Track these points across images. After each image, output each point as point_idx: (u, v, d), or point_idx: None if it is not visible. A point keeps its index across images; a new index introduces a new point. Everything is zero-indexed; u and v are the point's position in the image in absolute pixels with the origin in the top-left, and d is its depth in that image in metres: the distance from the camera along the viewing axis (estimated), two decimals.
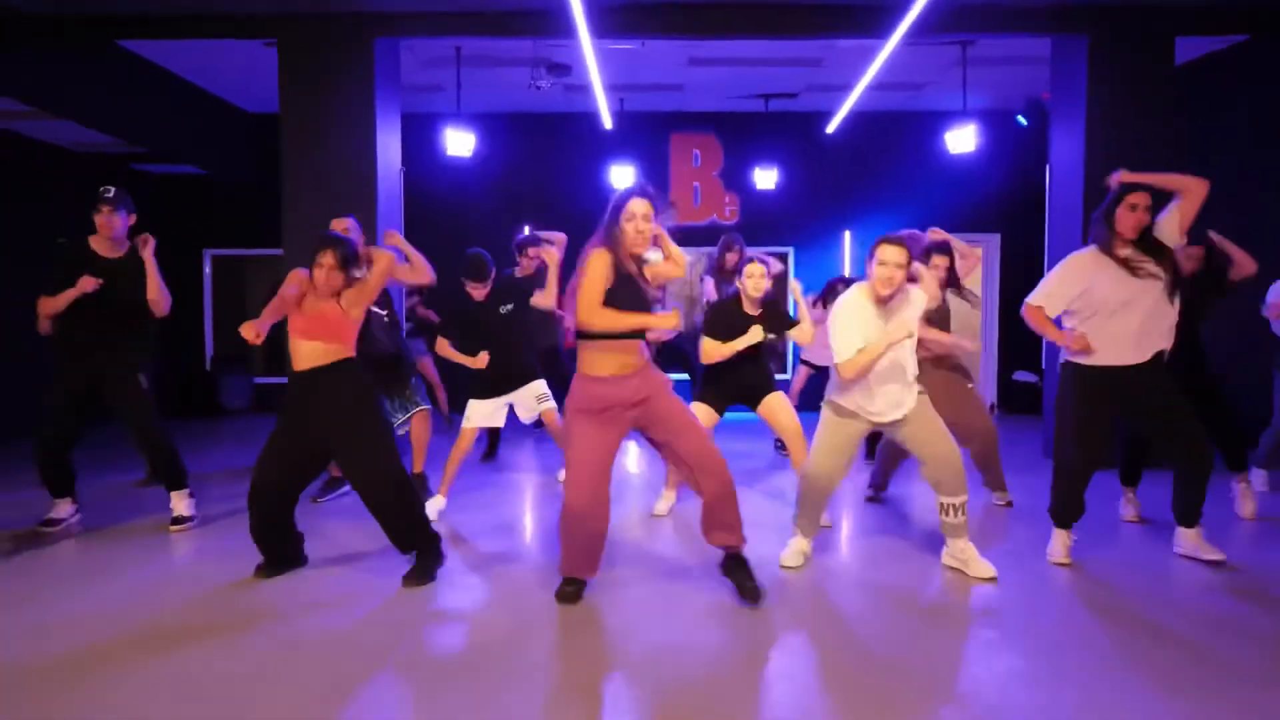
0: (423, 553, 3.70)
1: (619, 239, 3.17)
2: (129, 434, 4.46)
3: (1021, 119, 8.61)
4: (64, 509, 4.49)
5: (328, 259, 3.51)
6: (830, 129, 8.92)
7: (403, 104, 8.72)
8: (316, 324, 3.52)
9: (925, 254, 4.66)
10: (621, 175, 9.01)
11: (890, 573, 3.82)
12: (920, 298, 3.69)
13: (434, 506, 4.75)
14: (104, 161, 9.06)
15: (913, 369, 3.66)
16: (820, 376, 7.72)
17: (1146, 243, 3.66)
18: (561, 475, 5.81)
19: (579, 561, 3.34)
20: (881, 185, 9.59)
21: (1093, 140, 6.21)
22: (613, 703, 2.61)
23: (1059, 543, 3.89)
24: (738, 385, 4.61)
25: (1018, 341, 9.03)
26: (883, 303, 3.59)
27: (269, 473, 3.54)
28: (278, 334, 3.65)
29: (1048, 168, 6.81)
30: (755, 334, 4.34)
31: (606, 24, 6.07)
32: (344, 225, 4.88)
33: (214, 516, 4.77)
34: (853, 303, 3.60)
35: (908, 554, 4.09)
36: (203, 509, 4.77)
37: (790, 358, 9.27)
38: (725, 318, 4.49)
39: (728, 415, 4.70)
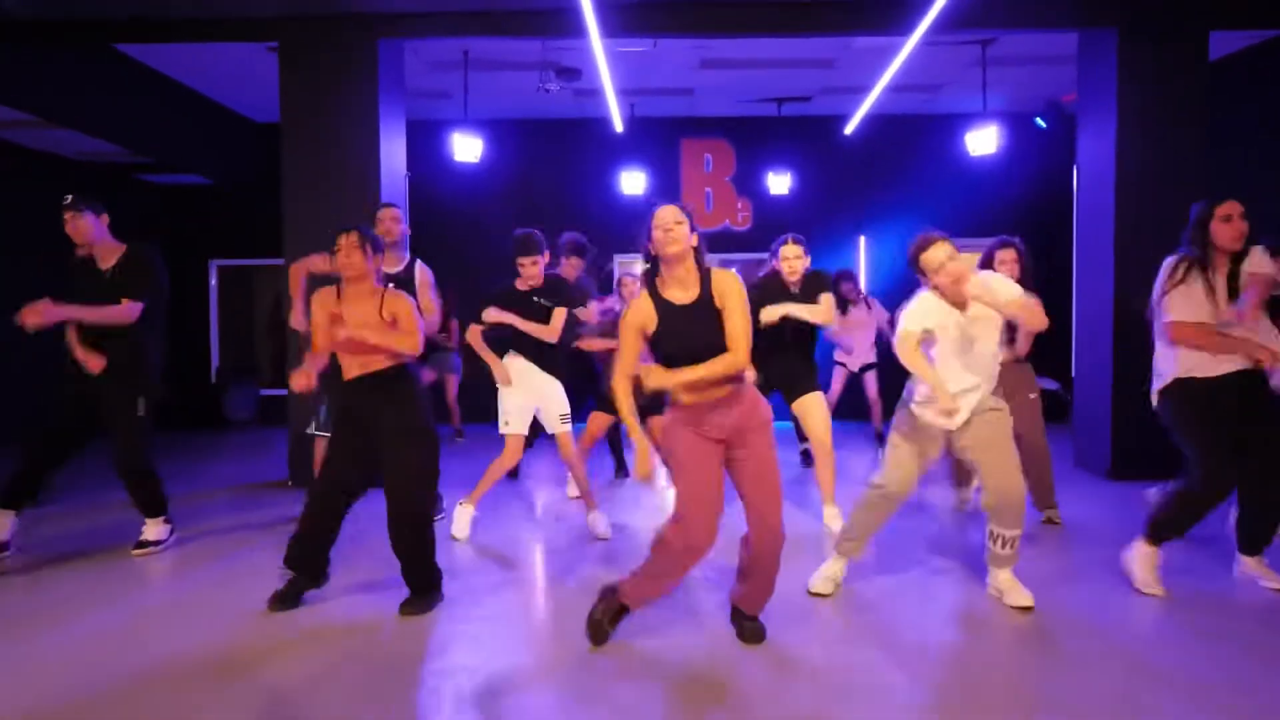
0: (424, 587, 3.43)
1: (654, 254, 2.80)
2: (113, 454, 4.18)
3: (1040, 121, 8.28)
4: (4, 525, 4.13)
5: (346, 239, 3.28)
6: (848, 130, 8.61)
7: (410, 110, 8.47)
8: (353, 340, 3.25)
9: (988, 255, 4.40)
10: (632, 181, 8.75)
11: (926, 605, 3.48)
12: (1001, 281, 3.26)
13: (465, 516, 4.47)
14: (108, 171, 8.84)
15: (995, 365, 3.29)
16: (855, 381, 7.50)
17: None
18: (571, 491, 5.52)
19: (649, 596, 2.98)
20: (898, 189, 9.27)
21: (1124, 139, 5.88)
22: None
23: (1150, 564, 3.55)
24: (781, 371, 4.35)
25: (1040, 348, 8.67)
26: (960, 307, 3.22)
27: (339, 473, 3.33)
28: (285, 342, 3.41)
29: (1075, 168, 6.49)
30: (791, 308, 4.17)
31: (617, 23, 5.79)
32: (393, 214, 4.68)
33: (218, 532, 4.50)
34: (928, 299, 3.28)
35: (946, 581, 3.75)
36: (206, 526, 4.51)
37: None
38: (768, 296, 4.27)
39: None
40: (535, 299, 4.42)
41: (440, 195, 8.89)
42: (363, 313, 3.31)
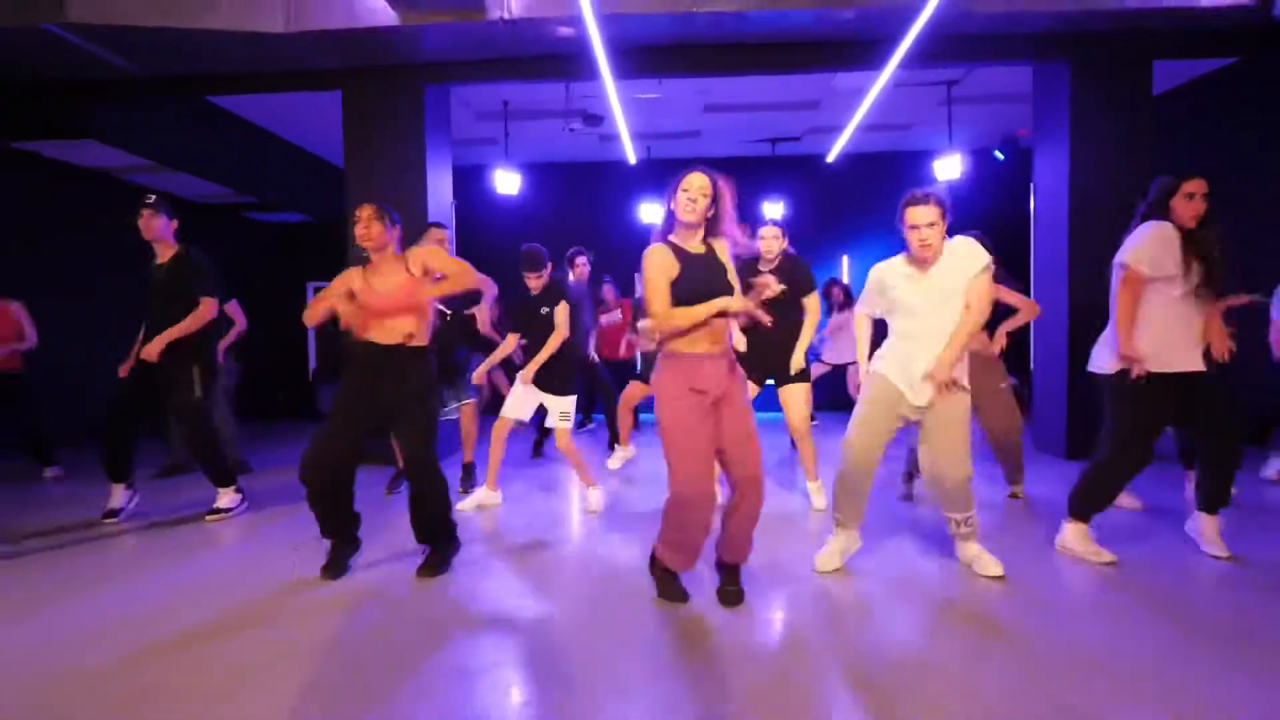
0: (438, 545, 3.00)
1: (674, 213, 2.45)
2: (179, 430, 3.91)
3: (999, 154, 7.64)
4: (120, 496, 3.88)
5: (364, 212, 2.89)
6: (830, 158, 8.05)
7: (460, 156, 8.15)
8: (388, 300, 2.84)
9: None
10: (651, 212, 8.29)
11: (913, 574, 2.93)
12: (976, 253, 2.72)
13: (485, 499, 4.04)
14: (221, 211, 8.64)
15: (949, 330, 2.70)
16: (838, 375, 6.99)
17: (1194, 239, 2.78)
18: (613, 463, 5.08)
19: (685, 555, 2.55)
20: (874, 216, 8.65)
21: (1076, 163, 5.28)
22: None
23: (1086, 537, 2.99)
24: (770, 358, 3.82)
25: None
26: (923, 267, 2.74)
27: (336, 439, 2.82)
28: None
29: (1032, 190, 5.88)
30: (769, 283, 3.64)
31: (628, 65, 5.33)
32: (438, 235, 4.27)
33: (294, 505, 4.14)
34: (885, 264, 2.80)
35: (927, 551, 3.20)
36: (290, 504, 4.18)
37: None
38: (742, 276, 3.71)
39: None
40: (542, 309, 3.99)
41: (485, 228, 8.53)
42: (393, 281, 2.87)
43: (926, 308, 2.70)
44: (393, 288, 2.86)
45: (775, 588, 2.75)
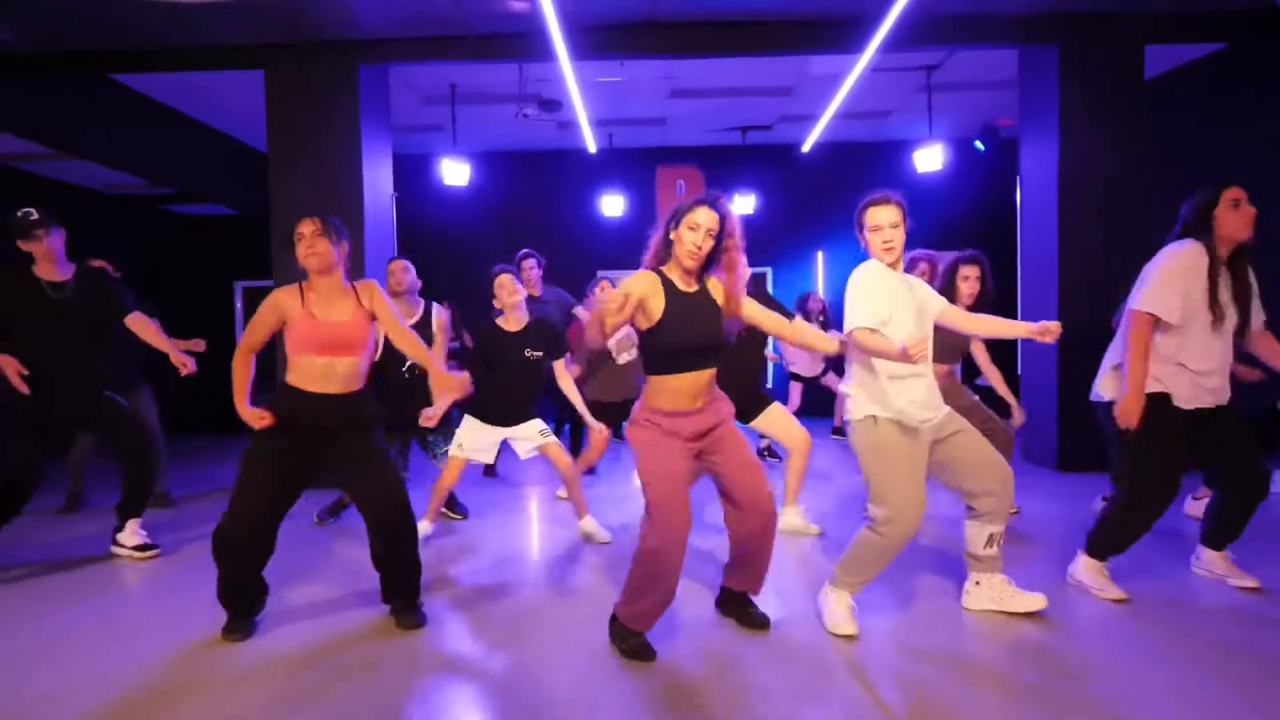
0: (414, 588, 2.69)
1: (674, 250, 2.26)
2: (121, 455, 3.50)
3: (979, 144, 7.52)
4: None
5: (307, 227, 2.48)
6: (806, 148, 7.82)
7: (403, 144, 7.69)
8: (330, 333, 2.44)
9: (951, 269, 3.61)
10: (612, 204, 7.97)
11: (920, 620, 2.63)
12: (923, 286, 2.56)
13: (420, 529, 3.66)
14: (135, 202, 8.03)
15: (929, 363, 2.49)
16: (814, 389, 6.74)
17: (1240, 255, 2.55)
18: (561, 493, 4.70)
19: (648, 612, 2.29)
20: (851, 209, 8.38)
21: (1065, 152, 5.11)
22: None
23: (1101, 573, 2.78)
24: (734, 397, 3.50)
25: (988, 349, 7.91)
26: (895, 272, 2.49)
27: (257, 506, 2.42)
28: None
29: (1019, 181, 5.73)
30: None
31: (586, 45, 4.99)
32: (402, 265, 3.93)
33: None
34: (874, 270, 2.43)
35: (928, 588, 2.92)
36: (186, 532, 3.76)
37: (772, 372, 8.00)
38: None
39: None
40: (526, 349, 3.60)
41: (431, 221, 8.12)
42: (339, 310, 2.47)
43: (910, 319, 2.43)
44: (343, 318, 2.48)
45: (788, 628, 2.53)
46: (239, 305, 8.98)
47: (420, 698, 2.10)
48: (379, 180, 5.33)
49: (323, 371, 2.46)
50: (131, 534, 3.56)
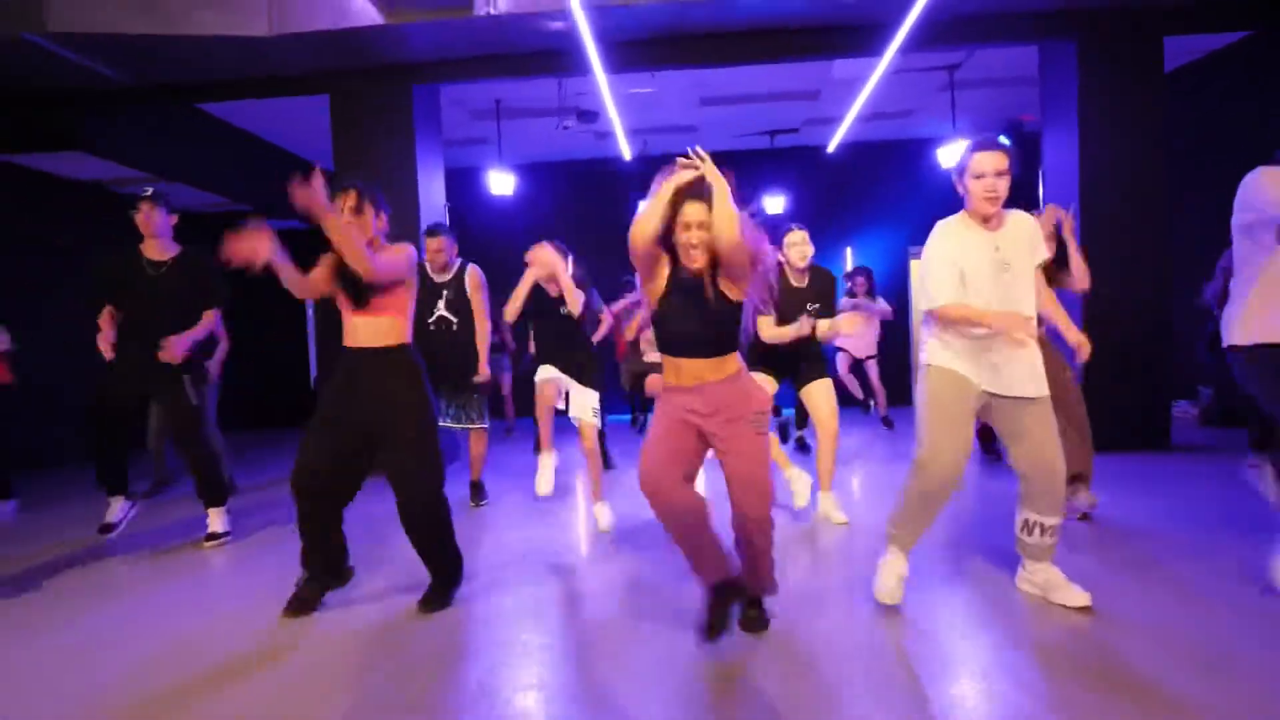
0: (443, 575, 2.71)
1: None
2: (173, 442, 3.67)
3: (1003, 139, 7.50)
4: (117, 510, 3.63)
5: (346, 198, 2.63)
6: (831, 148, 7.96)
7: (453, 157, 8.07)
8: (386, 266, 2.56)
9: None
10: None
11: (961, 601, 2.52)
12: (1033, 224, 2.40)
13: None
14: (217, 220, 8.61)
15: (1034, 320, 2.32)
16: (856, 367, 6.78)
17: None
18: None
19: (703, 566, 2.20)
20: (877, 207, 8.57)
21: (1086, 145, 5.16)
22: None
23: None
24: (789, 360, 3.60)
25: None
26: (988, 225, 2.36)
27: (314, 459, 2.51)
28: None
29: (1040, 173, 5.77)
30: (806, 325, 3.43)
31: (619, 59, 5.26)
32: (438, 243, 4.04)
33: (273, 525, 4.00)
34: (949, 228, 2.33)
35: (961, 569, 2.81)
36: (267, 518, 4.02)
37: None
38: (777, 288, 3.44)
39: None
40: (560, 308, 3.79)
41: (480, 228, 8.48)
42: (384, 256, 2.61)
43: (990, 276, 2.30)
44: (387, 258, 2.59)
45: (812, 617, 2.45)
46: (310, 310, 9.51)
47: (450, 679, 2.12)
48: (433, 192, 5.70)
49: (365, 326, 2.65)
50: (213, 521, 3.67)
